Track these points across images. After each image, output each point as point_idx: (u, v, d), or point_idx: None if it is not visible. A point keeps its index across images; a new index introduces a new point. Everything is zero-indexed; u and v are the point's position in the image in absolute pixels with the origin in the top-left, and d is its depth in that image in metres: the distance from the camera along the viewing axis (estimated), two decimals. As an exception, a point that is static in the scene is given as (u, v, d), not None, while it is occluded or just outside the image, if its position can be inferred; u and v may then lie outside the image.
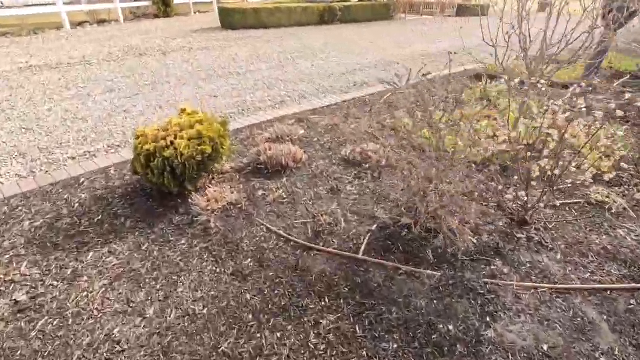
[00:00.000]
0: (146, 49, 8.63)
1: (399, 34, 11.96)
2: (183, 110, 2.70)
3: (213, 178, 2.90)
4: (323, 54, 8.67)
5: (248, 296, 1.97)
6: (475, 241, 2.26)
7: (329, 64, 7.68)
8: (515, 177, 2.56)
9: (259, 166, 3.14)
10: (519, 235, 2.44)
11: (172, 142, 2.43)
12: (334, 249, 2.27)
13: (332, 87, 6.02)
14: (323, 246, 2.28)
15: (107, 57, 7.81)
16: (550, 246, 2.36)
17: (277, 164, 3.04)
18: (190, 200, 2.56)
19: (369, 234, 2.37)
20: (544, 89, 2.63)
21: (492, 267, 2.17)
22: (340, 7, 14.14)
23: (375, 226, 2.45)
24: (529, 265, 2.22)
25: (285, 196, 2.77)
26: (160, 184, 2.47)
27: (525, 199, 2.45)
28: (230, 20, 11.91)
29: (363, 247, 2.26)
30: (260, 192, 2.82)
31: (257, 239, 2.37)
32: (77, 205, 2.69)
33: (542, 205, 2.49)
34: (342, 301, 1.94)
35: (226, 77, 6.47)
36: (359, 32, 12.40)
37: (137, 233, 2.41)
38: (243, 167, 3.20)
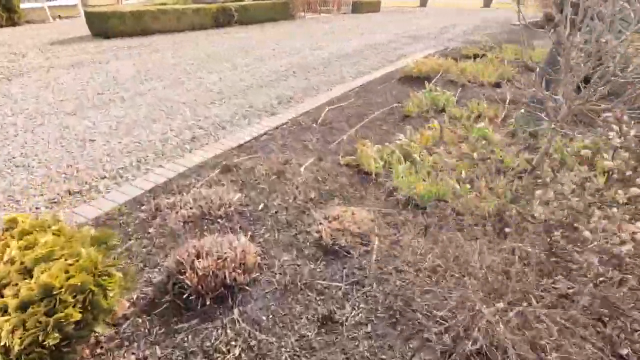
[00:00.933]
0: (-22, 72, 6.26)
1: (306, 35, 11.17)
2: (11, 224, 1.34)
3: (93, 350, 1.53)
4: (229, 63, 7.38)
5: None
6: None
7: (240, 75, 6.46)
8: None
9: (182, 292, 1.76)
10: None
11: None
12: None
13: (252, 107, 4.87)
14: None
15: None
16: None
17: (217, 285, 1.74)
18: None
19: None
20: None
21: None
22: (236, 7, 12.80)
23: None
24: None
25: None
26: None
27: None
28: (104, 26, 9.69)
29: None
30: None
31: None
32: None
33: None
34: None
35: (106, 105, 4.82)
36: (261, 34, 11.28)
37: None
38: (153, 297, 1.80)
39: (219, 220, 2.27)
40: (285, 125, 4.17)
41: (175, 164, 3.19)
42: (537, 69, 3.49)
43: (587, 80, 2.45)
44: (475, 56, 7.66)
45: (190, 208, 2.29)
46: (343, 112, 4.58)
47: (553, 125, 2.54)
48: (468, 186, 2.44)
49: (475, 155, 2.75)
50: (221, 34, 11.03)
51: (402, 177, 2.52)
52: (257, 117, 4.52)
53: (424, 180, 2.63)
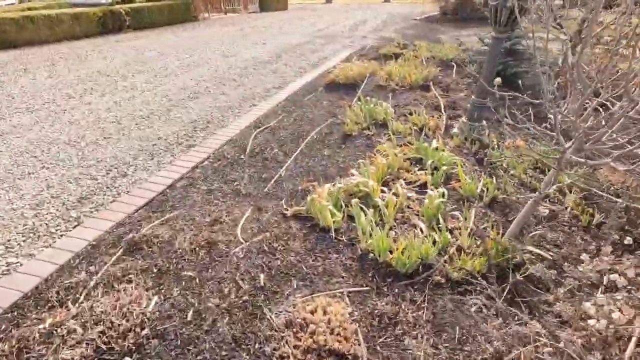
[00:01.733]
0: None
1: (215, 39, 10.16)
2: None
3: None
4: (125, 81, 6.19)
5: None
6: None
7: (142, 96, 5.39)
8: None
9: None
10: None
11: None
12: None
13: (161, 139, 3.96)
14: None
15: None
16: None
17: None
18: None
19: None
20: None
21: None
22: (127, 10, 11.16)
23: None
24: None
25: None
26: None
27: None
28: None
29: None
30: None
31: None
32: None
33: None
34: None
35: (-54, 158, 3.50)
36: (162, 41, 9.96)
37: None
38: None
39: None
40: (206, 162, 3.40)
41: (54, 248, 2.26)
42: (481, 78, 3.28)
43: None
44: (394, 55, 7.59)
45: (78, 343, 1.49)
46: (274, 135, 3.95)
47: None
48: (449, 236, 2.03)
49: (437, 191, 2.37)
50: (112, 44, 9.46)
51: (369, 235, 2.02)
52: (168, 153, 3.65)
53: (394, 231, 2.16)
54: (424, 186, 2.67)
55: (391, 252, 1.91)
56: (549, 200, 2.58)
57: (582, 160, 1.61)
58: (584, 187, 2.58)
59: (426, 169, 2.77)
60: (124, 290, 1.78)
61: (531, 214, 2.15)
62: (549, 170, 2.89)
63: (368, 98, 4.37)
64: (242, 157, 3.50)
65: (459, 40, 9.98)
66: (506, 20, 3.10)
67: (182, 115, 4.67)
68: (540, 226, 2.32)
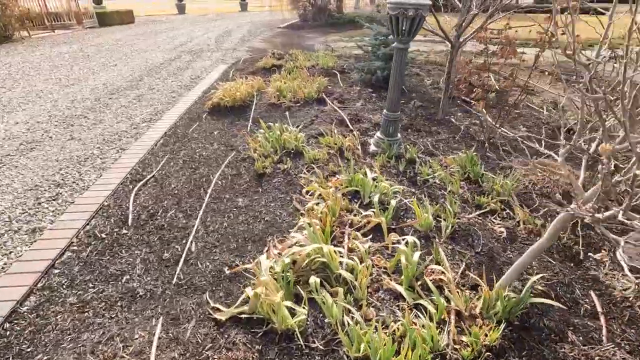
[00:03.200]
0: None
1: (46, 65, 7.99)
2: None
3: None
4: None
5: None
6: None
7: None
8: None
9: None
10: None
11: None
12: None
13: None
14: None
15: None
16: None
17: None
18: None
19: None
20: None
21: None
22: None
23: None
24: None
25: None
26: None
27: None
28: None
29: None
30: None
31: None
32: None
33: None
34: None
35: None
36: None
37: None
38: None
39: None
40: (68, 253, 2.32)
41: None
42: (391, 91, 3.05)
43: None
44: (275, 67, 7.16)
45: None
46: (163, 189, 3.03)
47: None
48: (443, 301, 1.63)
49: (407, 240, 1.98)
50: None
51: (350, 336, 1.47)
52: (6, 250, 2.40)
53: (369, 307, 1.67)
54: (376, 229, 2.25)
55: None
56: (499, 216, 2.47)
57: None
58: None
59: (372, 207, 2.36)
60: None
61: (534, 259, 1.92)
62: (482, 182, 2.83)
63: (270, 124, 3.78)
64: (125, 231, 2.53)
65: (329, 46, 10.17)
66: (408, 29, 2.93)
67: (13, 180, 3.27)
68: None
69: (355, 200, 2.59)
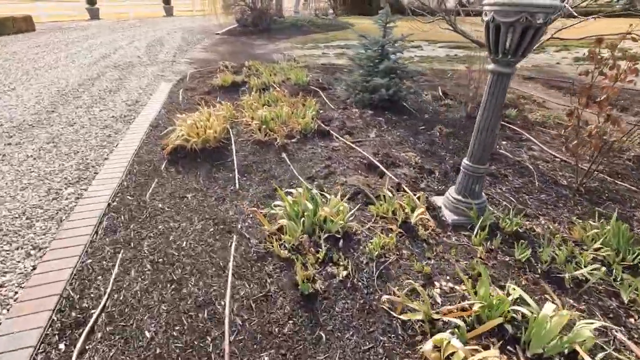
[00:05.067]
0: None
1: None
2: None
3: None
4: None
5: None
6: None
7: None
8: None
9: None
10: None
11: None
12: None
13: None
14: None
15: None
16: None
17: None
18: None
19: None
20: None
21: None
22: None
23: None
24: None
25: None
26: None
27: None
28: None
29: None
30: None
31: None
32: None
33: None
34: None
35: None
36: None
37: None
38: None
39: None
40: None
41: None
42: (479, 135, 1.97)
43: None
44: (235, 84, 5.78)
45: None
46: (128, 347, 1.61)
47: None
48: None
49: None
50: None
51: None
52: None
53: None
54: None
55: None
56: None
57: None
58: None
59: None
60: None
61: None
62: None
63: (294, 190, 2.49)
64: None
65: (289, 56, 8.92)
66: (516, 44, 1.89)
67: None
68: None
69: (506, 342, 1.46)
